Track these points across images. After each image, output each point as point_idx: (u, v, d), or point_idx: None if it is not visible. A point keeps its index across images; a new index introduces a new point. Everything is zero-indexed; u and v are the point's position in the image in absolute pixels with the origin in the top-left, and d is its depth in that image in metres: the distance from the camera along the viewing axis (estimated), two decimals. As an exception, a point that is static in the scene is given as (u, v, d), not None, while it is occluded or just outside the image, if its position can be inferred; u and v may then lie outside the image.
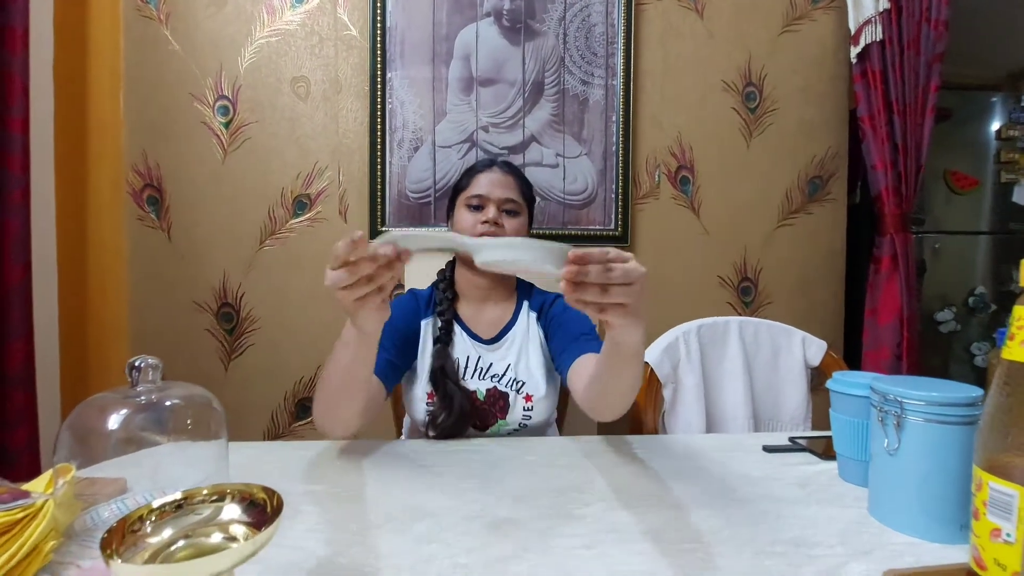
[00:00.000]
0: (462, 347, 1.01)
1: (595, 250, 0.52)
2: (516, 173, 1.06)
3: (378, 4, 1.46)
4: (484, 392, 0.98)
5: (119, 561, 0.35)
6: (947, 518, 0.57)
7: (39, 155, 1.28)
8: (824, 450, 0.83)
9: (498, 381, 0.98)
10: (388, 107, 1.49)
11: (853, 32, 1.55)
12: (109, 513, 0.54)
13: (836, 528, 0.60)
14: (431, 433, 0.93)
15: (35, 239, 1.22)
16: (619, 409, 0.76)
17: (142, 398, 0.56)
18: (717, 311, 1.44)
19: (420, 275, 1.49)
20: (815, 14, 1.62)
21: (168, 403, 0.58)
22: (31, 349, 1.20)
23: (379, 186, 1.48)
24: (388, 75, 1.48)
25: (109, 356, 1.49)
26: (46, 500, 0.48)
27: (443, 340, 0.98)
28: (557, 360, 0.97)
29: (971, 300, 1.91)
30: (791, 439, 0.90)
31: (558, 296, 1.07)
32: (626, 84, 1.53)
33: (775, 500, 0.68)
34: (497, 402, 0.97)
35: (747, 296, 1.63)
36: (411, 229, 0.63)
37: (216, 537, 0.40)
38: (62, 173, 1.41)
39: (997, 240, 1.94)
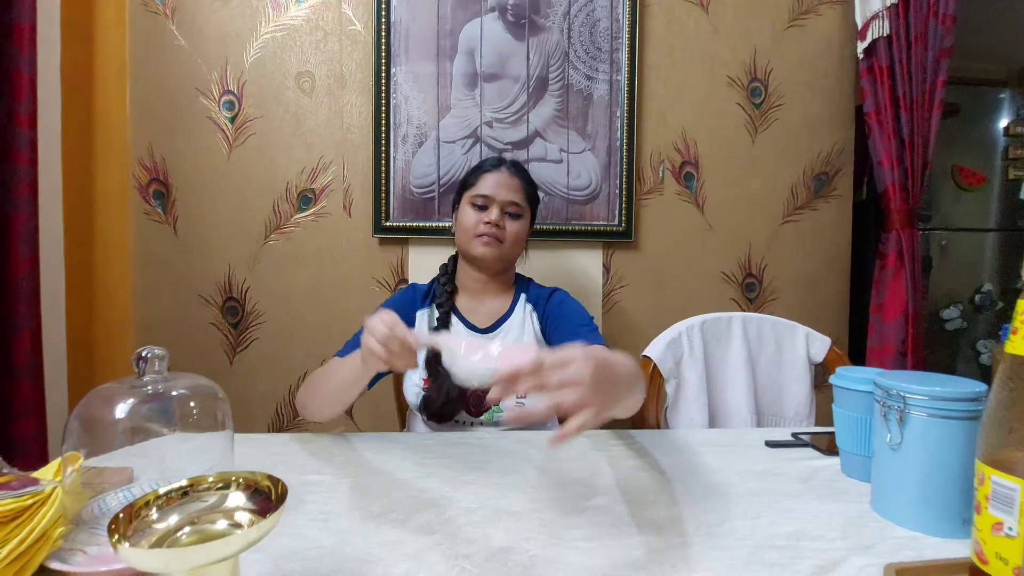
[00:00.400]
0: (458, 336, 1.03)
1: (525, 364, 0.51)
2: (523, 175, 1.10)
3: (383, -1, 1.46)
4: None
5: (126, 545, 0.35)
6: (949, 513, 0.57)
7: (46, 150, 1.29)
8: (827, 446, 0.83)
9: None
10: (392, 102, 1.49)
11: (860, 27, 1.54)
12: (116, 502, 0.55)
13: (837, 522, 0.60)
14: (424, 416, 0.99)
15: (43, 233, 1.23)
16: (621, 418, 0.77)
17: (148, 388, 0.57)
18: (721, 308, 1.43)
19: (426, 270, 1.51)
20: (821, 9, 1.60)
21: (174, 393, 0.59)
22: (38, 342, 1.21)
23: (383, 181, 1.48)
24: (392, 70, 1.48)
25: (115, 349, 1.50)
26: (55, 487, 0.49)
27: (439, 330, 1.02)
28: None
29: (977, 297, 1.90)
30: (794, 435, 0.90)
31: (556, 289, 1.09)
32: (630, 79, 1.52)
33: (777, 494, 0.68)
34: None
35: (751, 292, 1.62)
36: (416, 332, 0.70)
37: (221, 524, 0.40)
38: (69, 168, 1.42)
39: (1004, 237, 1.92)
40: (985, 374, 1.87)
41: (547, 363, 0.51)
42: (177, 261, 1.48)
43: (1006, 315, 1.89)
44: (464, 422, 0.99)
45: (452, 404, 0.96)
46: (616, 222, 1.54)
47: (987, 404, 0.47)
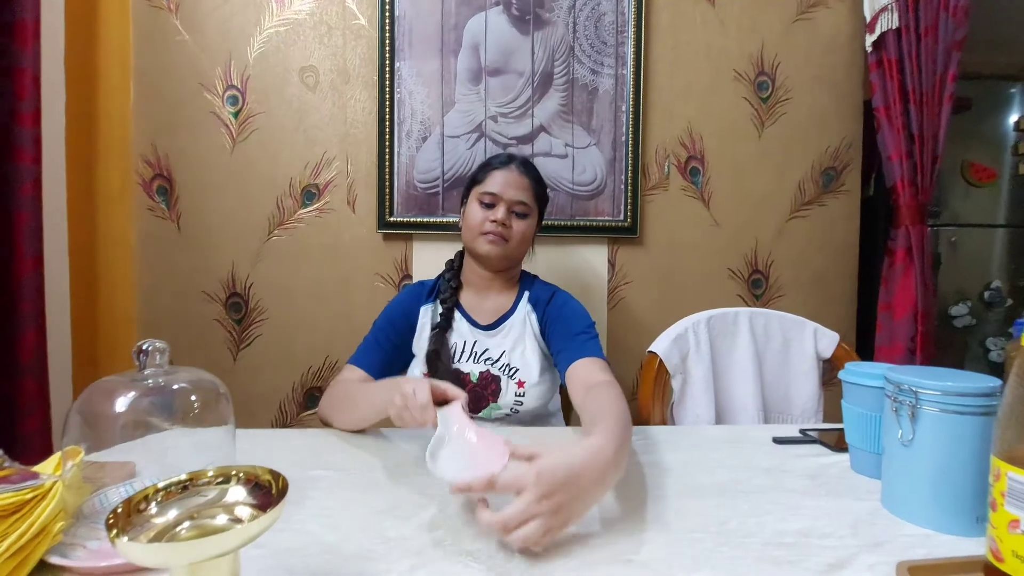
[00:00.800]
0: (460, 332, 1.05)
1: (478, 483, 0.52)
2: (532, 174, 1.09)
3: (386, -7, 1.45)
4: (477, 375, 1.01)
5: (125, 539, 0.35)
6: (962, 510, 0.55)
7: (50, 147, 1.29)
8: (836, 442, 0.82)
9: (491, 365, 1.01)
10: (396, 97, 1.48)
11: (868, 20, 1.52)
12: (117, 497, 0.55)
13: (847, 520, 0.59)
14: None
15: (47, 231, 1.23)
16: None
17: (149, 381, 0.57)
18: (727, 304, 1.42)
19: (430, 266, 1.50)
20: (829, 1, 1.58)
21: (175, 387, 0.58)
22: (43, 339, 1.21)
23: (387, 176, 1.48)
24: (396, 65, 1.47)
25: (119, 346, 1.50)
26: (55, 481, 0.48)
27: (442, 326, 1.03)
28: (556, 358, 0.99)
29: (987, 294, 1.87)
30: (802, 431, 0.89)
31: (556, 291, 1.09)
32: (636, 73, 1.51)
33: (785, 491, 0.67)
34: (489, 385, 1.00)
35: (758, 289, 1.61)
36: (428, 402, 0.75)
37: (221, 518, 0.40)
38: (73, 165, 1.42)
39: (1014, 234, 1.90)
40: (994, 371, 1.84)
41: (499, 484, 0.52)
42: (181, 257, 1.48)
43: (1016, 312, 1.87)
44: None
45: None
46: (621, 217, 1.53)
47: (1002, 400, 0.46)
